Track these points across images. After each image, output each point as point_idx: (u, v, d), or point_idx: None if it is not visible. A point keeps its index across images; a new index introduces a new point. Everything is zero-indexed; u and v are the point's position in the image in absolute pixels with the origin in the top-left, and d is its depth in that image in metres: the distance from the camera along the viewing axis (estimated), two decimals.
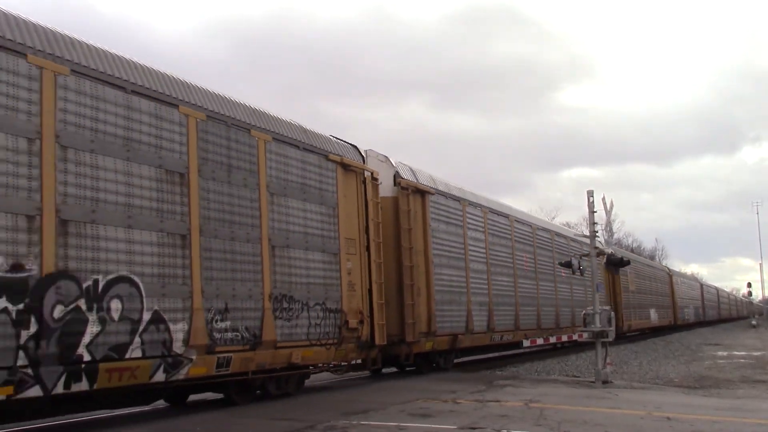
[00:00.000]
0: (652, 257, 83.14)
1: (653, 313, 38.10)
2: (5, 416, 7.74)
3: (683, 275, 61.64)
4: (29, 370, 7.13)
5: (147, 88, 9.04)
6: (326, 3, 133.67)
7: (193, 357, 9.05)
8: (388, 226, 14.01)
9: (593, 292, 14.67)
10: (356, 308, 12.51)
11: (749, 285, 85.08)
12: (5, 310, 6.97)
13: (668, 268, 51.63)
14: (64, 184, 7.82)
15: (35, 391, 7.18)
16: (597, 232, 15.12)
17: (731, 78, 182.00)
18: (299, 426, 8.38)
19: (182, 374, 8.94)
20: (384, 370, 15.68)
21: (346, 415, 9.07)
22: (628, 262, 17.59)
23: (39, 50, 7.76)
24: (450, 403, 10.24)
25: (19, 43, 7.57)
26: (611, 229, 18.52)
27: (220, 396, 10.76)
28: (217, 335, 9.48)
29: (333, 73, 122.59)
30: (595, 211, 14.65)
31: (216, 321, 9.51)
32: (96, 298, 7.93)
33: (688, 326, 50.64)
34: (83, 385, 7.68)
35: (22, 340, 7.08)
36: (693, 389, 13.05)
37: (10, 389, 6.94)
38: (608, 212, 15.11)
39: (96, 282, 7.96)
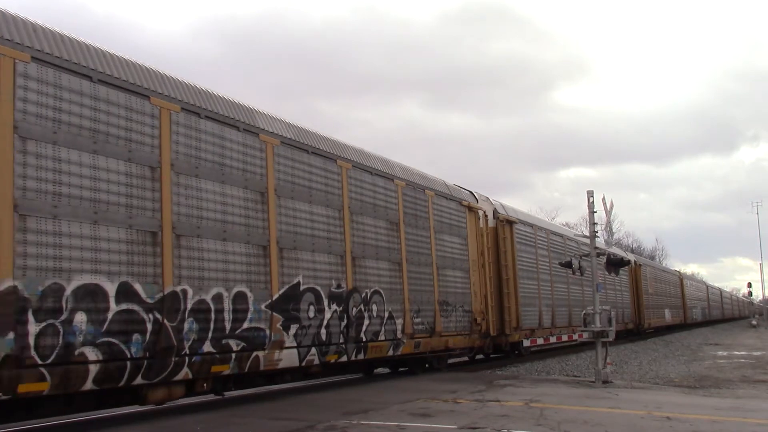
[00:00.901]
0: (652, 257, 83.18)
1: (667, 313, 42.48)
2: (312, 376, 12.69)
3: (691, 278, 64.93)
4: (344, 346, 11.98)
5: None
6: (318, 2, 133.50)
7: (405, 341, 13.84)
8: (491, 249, 18.85)
9: (593, 292, 14.66)
10: (479, 309, 17.26)
11: (749, 285, 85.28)
12: (336, 310, 11.90)
13: (679, 272, 55.58)
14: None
15: (344, 358, 12.04)
16: (597, 232, 15.13)
17: (729, 77, 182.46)
18: (299, 425, 8.38)
19: (399, 351, 13.74)
20: (385, 370, 15.77)
21: (346, 415, 9.07)
22: (628, 262, 17.72)
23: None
24: (450, 403, 10.24)
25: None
26: (611, 229, 18.51)
27: (385, 371, 15.86)
28: (414, 327, 14.22)
29: (326, 72, 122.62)
30: (595, 212, 14.66)
31: (414, 318, 14.27)
32: (366, 303, 12.76)
33: (697, 325, 54.44)
34: (361, 356, 12.52)
35: (342, 328, 11.95)
36: (693, 389, 13.05)
37: (335, 357, 11.77)
38: (608, 212, 15.11)
39: (367, 294, 12.81)
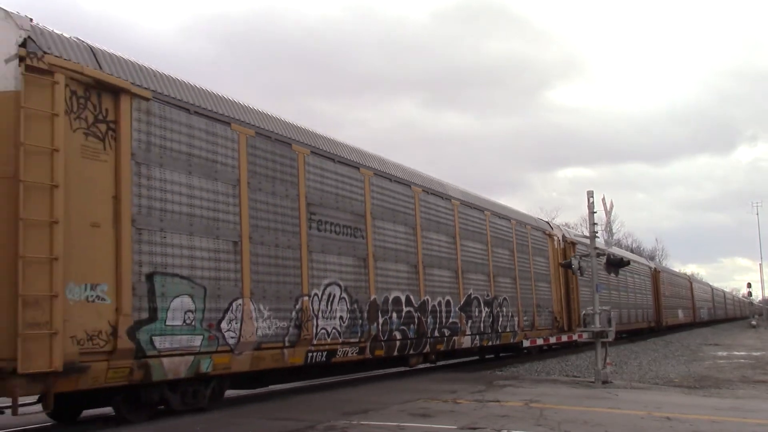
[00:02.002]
0: (651, 257, 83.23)
1: (680, 313, 48.01)
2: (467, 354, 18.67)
3: (699, 281, 69.25)
4: (491, 334, 18.06)
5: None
6: (313, 1, 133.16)
7: (519, 332, 19.65)
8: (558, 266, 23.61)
9: (593, 292, 14.67)
10: (558, 310, 23.29)
11: (749, 285, 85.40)
12: (487, 311, 17.75)
13: (688, 276, 62.26)
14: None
15: (491, 343, 18.26)
16: (597, 232, 15.13)
17: (727, 77, 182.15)
18: (299, 426, 8.38)
19: (515, 339, 19.38)
20: (384, 371, 15.81)
21: (346, 415, 9.07)
22: (627, 263, 17.75)
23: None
24: (450, 403, 10.25)
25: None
26: (611, 230, 18.59)
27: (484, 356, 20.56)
28: (524, 323, 20.15)
29: (323, 72, 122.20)
30: (595, 212, 14.66)
31: (525, 318, 20.31)
32: (500, 306, 18.69)
33: (704, 324, 59.11)
34: (498, 342, 18.54)
35: (490, 323, 17.90)
36: (693, 389, 13.05)
37: (487, 341, 17.86)
38: (608, 213, 15.10)
39: (500, 300, 18.73)
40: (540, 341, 20.18)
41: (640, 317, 35.04)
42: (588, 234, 15.47)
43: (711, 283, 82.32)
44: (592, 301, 14.06)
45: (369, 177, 13.31)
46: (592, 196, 14.57)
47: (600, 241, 18.55)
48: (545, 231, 23.54)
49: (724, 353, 24.49)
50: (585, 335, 14.47)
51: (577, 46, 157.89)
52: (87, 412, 9.59)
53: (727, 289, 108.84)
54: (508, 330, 18.99)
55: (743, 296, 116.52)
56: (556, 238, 24.22)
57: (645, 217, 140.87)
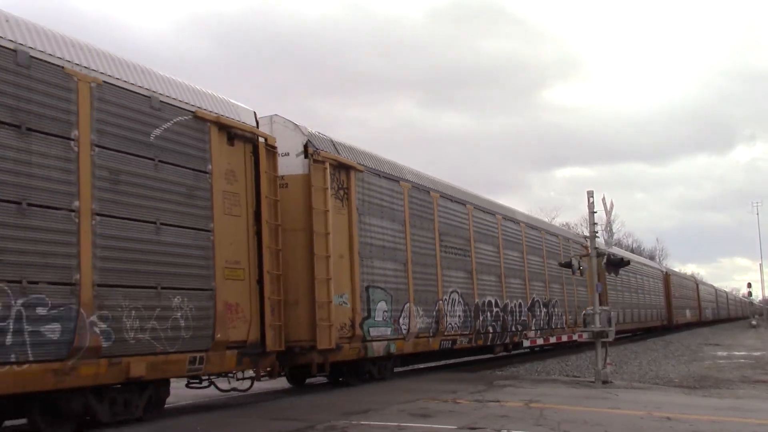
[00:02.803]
0: (651, 257, 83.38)
1: (688, 312, 51.99)
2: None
3: (704, 283, 72.46)
4: (547, 330, 21.96)
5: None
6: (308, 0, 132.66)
7: (566, 329, 23.02)
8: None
9: (593, 292, 14.68)
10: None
11: (749, 285, 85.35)
12: (545, 311, 21.86)
13: (695, 278, 65.92)
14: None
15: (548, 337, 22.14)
16: (597, 232, 15.13)
17: (725, 76, 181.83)
18: (299, 425, 8.39)
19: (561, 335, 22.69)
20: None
21: (346, 415, 9.07)
22: (628, 263, 17.86)
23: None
24: (450, 403, 10.25)
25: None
26: (611, 230, 18.71)
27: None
28: (568, 321, 23.56)
29: (319, 70, 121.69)
30: (595, 212, 14.66)
31: (570, 317, 23.78)
32: (554, 306, 22.82)
33: (709, 323, 63.11)
34: (550, 337, 22.07)
35: (547, 320, 22.14)
36: (693, 389, 13.06)
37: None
38: (608, 213, 15.09)
39: (553, 302, 22.63)
40: (540, 341, 21.28)
41: (654, 316, 39.23)
42: (588, 234, 15.47)
43: (713, 284, 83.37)
44: (619, 302, 14.86)
45: (471, 210, 17.83)
46: (592, 196, 14.56)
47: (600, 241, 18.58)
48: (582, 244, 26.42)
49: (724, 353, 24.50)
50: (585, 335, 14.46)
51: (575, 46, 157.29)
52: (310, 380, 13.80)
53: (727, 289, 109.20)
54: (558, 326, 22.90)
55: (743, 296, 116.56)
56: (591, 251, 28.33)
57: (644, 217, 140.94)
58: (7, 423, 8.47)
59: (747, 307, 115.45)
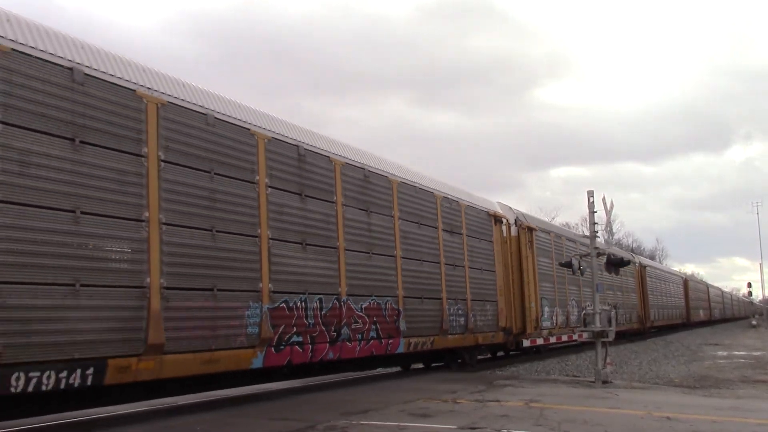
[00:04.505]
0: (652, 257, 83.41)
1: (701, 312, 58.53)
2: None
3: (712, 286, 77.97)
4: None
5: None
6: None
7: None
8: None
9: (593, 292, 14.67)
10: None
11: (749, 285, 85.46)
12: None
13: (705, 282, 73.25)
14: None
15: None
16: (597, 232, 15.13)
17: (721, 75, 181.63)
18: (299, 426, 8.39)
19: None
20: (384, 371, 15.85)
21: (346, 415, 9.07)
22: (628, 263, 17.82)
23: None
24: (450, 403, 10.25)
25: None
26: (611, 230, 18.83)
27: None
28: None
29: (308, 69, 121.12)
30: (595, 212, 14.65)
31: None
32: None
33: (717, 322, 69.22)
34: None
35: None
36: (693, 389, 13.05)
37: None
38: (608, 212, 15.09)
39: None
40: (540, 341, 20.92)
41: (677, 315, 46.56)
42: (588, 234, 15.47)
43: (717, 286, 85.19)
44: (655, 304, 15.37)
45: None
46: (593, 196, 14.56)
47: (600, 241, 18.57)
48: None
49: (725, 353, 24.49)
50: (585, 335, 14.46)
51: (567, 44, 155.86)
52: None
53: (727, 289, 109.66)
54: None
55: (743, 296, 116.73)
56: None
57: (641, 217, 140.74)
58: (433, 365, 17.10)
59: (747, 307, 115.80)
